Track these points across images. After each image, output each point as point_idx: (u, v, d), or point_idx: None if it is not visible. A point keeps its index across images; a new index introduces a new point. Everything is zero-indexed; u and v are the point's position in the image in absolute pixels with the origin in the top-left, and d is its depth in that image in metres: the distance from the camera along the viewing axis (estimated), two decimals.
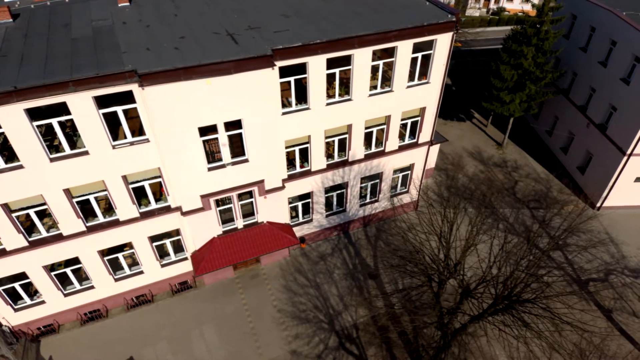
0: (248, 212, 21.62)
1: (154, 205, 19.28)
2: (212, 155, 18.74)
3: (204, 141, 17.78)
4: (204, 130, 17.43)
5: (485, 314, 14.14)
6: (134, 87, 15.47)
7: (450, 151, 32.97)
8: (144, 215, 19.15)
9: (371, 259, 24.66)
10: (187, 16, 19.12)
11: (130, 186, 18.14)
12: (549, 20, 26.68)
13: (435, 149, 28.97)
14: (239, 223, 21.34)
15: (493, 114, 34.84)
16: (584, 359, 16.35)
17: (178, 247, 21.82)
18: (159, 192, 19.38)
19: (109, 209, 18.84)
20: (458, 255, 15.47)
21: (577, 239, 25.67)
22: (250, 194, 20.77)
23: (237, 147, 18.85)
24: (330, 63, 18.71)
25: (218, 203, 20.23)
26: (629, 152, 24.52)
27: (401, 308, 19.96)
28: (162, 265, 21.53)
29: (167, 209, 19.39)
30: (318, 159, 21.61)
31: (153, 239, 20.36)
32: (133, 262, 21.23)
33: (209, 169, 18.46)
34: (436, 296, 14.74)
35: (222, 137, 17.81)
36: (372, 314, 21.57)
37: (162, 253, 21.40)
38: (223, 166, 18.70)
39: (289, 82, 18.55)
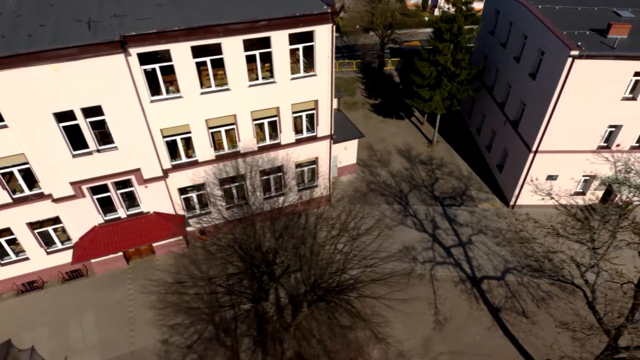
0: (133, 201, 21.74)
1: (27, 192, 19.55)
2: (86, 142, 18.90)
3: (67, 127, 17.98)
4: (62, 116, 17.63)
5: (302, 302, 13.94)
6: None
7: (381, 148, 32.65)
8: (18, 201, 19.43)
9: (271, 251, 24.43)
10: (62, 6, 19.38)
11: None
12: (462, 16, 26.26)
13: (353, 144, 28.74)
14: (122, 212, 21.46)
15: (428, 112, 34.35)
16: None
17: (67, 236, 22.05)
18: None
19: None
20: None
21: (484, 237, 25.26)
22: (129, 183, 20.89)
23: (106, 134, 19.02)
24: (200, 51, 18.80)
25: (94, 191, 20.38)
26: (534, 148, 23.92)
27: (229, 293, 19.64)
28: (48, 253, 21.78)
29: (41, 196, 19.64)
30: (204, 150, 21.64)
31: (33, 225, 20.63)
32: (20, 249, 21.53)
33: (75, 156, 18.63)
34: (259, 283, 14.56)
35: (83, 123, 17.97)
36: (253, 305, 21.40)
37: (46, 240, 21.64)
38: (90, 153, 18.87)
39: (155, 69, 18.65)
